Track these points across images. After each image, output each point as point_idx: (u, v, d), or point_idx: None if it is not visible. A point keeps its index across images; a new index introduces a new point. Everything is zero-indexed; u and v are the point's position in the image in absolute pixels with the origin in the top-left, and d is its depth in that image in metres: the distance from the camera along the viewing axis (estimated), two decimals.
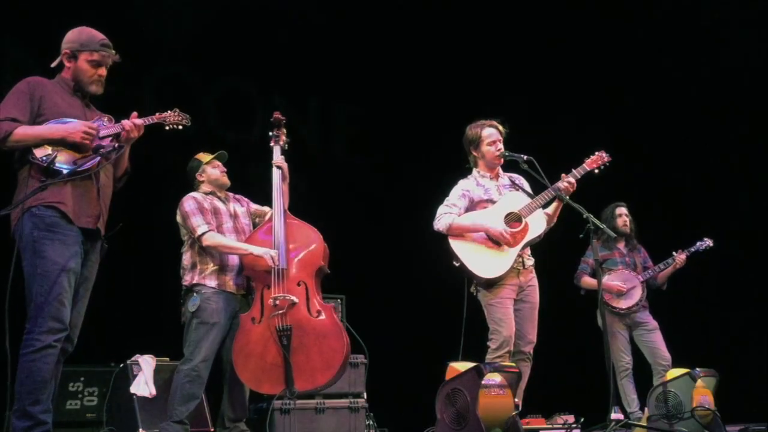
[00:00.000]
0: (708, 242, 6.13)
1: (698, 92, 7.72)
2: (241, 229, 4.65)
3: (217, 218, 4.56)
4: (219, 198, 4.68)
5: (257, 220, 4.79)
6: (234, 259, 4.54)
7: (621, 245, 6.16)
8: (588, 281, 6.06)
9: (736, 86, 7.68)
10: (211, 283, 4.47)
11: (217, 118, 6.86)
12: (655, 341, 5.87)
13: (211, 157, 4.71)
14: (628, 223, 6.18)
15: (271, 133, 4.77)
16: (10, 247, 3.38)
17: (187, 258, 4.57)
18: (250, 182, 5.18)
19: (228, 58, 6.77)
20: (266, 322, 4.34)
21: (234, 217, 4.66)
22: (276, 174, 4.65)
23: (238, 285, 4.55)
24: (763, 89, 7.47)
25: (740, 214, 7.61)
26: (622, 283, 5.92)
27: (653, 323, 5.94)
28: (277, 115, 4.78)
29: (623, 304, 5.91)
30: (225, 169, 4.73)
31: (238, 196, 4.84)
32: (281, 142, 4.75)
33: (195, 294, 4.45)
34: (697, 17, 7.69)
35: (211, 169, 4.69)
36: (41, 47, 3.66)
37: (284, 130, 4.79)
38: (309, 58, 7.12)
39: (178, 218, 4.59)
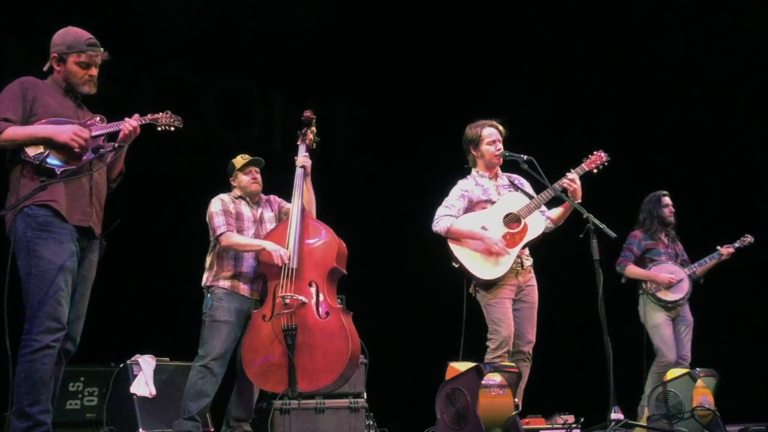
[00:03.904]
0: (749, 238, 6.13)
1: (698, 92, 7.71)
2: (263, 236, 4.67)
3: (239, 223, 4.61)
4: (248, 203, 4.72)
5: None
6: (249, 266, 4.58)
7: (663, 236, 6.08)
8: (634, 271, 5.94)
9: (737, 86, 7.69)
10: (224, 284, 4.53)
11: (217, 118, 6.85)
12: (686, 338, 5.88)
13: (244, 163, 4.74)
14: (673, 212, 6.11)
15: (299, 132, 4.79)
16: (7, 248, 3.38)
17: (208, 259, 4.64)
18: None
19: (228, 58, 6.77)
20: (274, 320, 4.36)
21: (259, 222, 4.70)
22: (298, 173, 4.67)
23: (252, 289, 4.58)
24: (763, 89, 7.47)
25: (741, 214, 7.60)
26: (670, 275, 5.89)
27: (690, 319, 5.93)
28: (307, 113, 4.80)
29: (671, 296, 5.87)
30: (257, 176, 4.74)
31: (270, 198, 4.87)
32: (308, 141, 4.78)
33: (209, 295, 4.53)
34: (698, 17, 7.68)
35: (243, 175, 4.73)
36: (41, 47, 3.64)
37: (314, 129, 4.80)
38: (309, 58, 7.11)
39: (207, 218, 4.64)
